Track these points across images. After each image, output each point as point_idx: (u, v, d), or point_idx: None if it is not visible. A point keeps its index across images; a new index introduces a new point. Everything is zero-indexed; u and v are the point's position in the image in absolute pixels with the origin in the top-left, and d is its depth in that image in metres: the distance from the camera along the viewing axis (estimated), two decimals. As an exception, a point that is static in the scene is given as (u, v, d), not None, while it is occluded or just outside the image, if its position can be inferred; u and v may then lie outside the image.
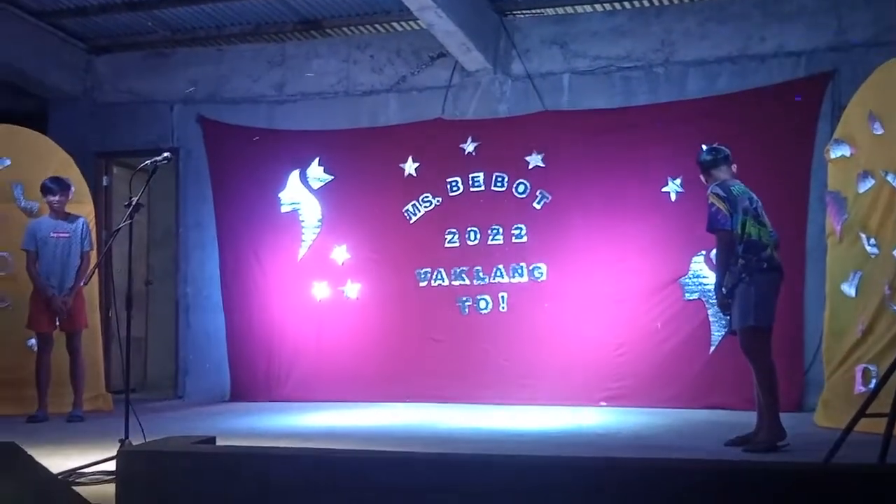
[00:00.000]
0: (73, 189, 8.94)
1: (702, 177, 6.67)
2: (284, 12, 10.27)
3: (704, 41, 9.34)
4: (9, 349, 8.80)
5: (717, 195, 6.29)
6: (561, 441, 6.78)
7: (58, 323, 8.54)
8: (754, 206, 6.32)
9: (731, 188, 6.33)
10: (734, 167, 6.58)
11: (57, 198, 8.56)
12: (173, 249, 11.04)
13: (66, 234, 8.60)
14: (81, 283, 8.50)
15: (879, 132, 7.15)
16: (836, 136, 7.76)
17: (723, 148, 6.67)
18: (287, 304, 10.18)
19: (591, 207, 9.31)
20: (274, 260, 10.28)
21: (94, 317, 9.24)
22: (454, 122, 9.98)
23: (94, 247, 8.92)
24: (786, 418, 6.20)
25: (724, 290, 6.29)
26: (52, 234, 8.55)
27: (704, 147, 6.85)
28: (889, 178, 6.98)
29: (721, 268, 6.34)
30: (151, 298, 11.76)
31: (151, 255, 11.90)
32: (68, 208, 8.77)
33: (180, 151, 10.67)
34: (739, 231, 6.22)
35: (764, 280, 6.20)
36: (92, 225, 9.20)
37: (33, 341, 8.71)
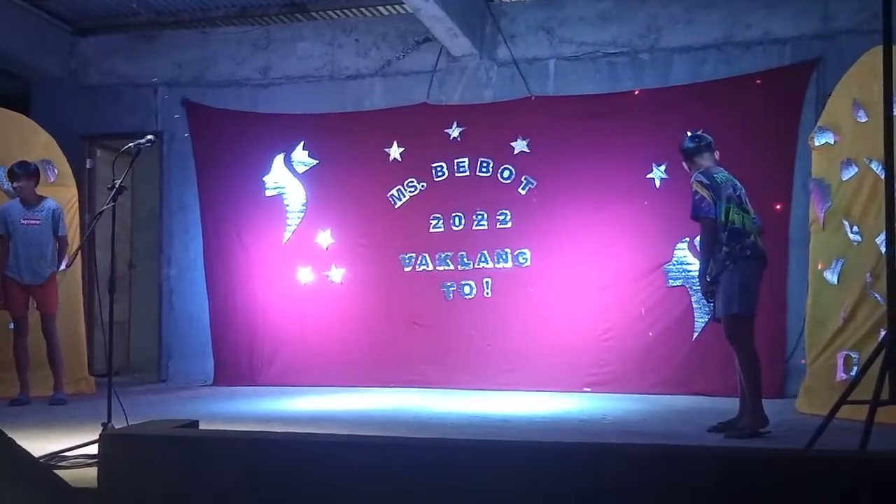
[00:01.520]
0: (53, 173, 8.87)
1: (684, 164, 6.68)
2: (270, -5, 10.24)
3: (690, 27, 9.34)
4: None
5: (701, 183, 6.30)
6: (545, 427, 6.79)
7: (29, 307, 8.48)
8: (738, 193, 6.33)
9: (715, 175, 6.33)
10: (717, 154, 6.58)
11: (20, 183, 8.35)
12: (157, 232, 10.99)
13: (37, 222, 8.44)
14: (62, 267, 8.47)
15: (864, 120, 7.16)
16: (820, 123, 7.78)
17: (705, 135, 6.68)
18: (271, 288, 10.16)
19: (576, 193, 9.31)
20: (258, 244, 10.24)
21: (76, 300, 9.20)
22: (440, 107, 9.96)
23: (74, 232, 8.88)
24: (768, 405, 6.23)
25: (708, 277, 6.30)
26: (21, 221, 8.40)
27: (688, 134, 6.86)
28: (873, 166, 6.99)
29: (705, 256, 6.35)
30: (134, 281, 11.71)
31: (135, 237, 11.86)
32: (52, 192, 8.71)
33: (164, 134, 10.63)
34: (723, 218, 6.22)
35: (747, 267, 6.20)
36: (74, 208, 9.15)
37: (13, 324, 8.65)
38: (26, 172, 8.41)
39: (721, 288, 6.25)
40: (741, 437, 5.98)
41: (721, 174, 6.38)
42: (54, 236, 8.51)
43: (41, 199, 8.55)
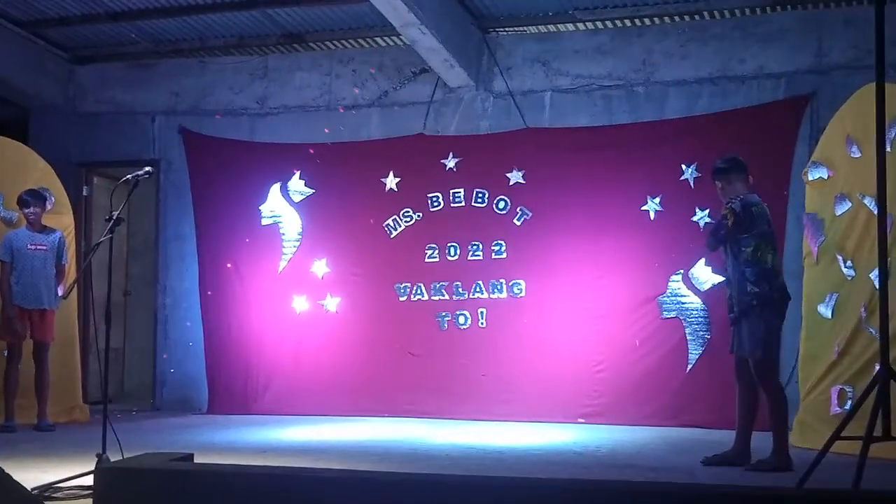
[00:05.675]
0: (50, 201, 8.95)
1: (718, 185, 6.49)
2: (268, 25, 10.28)
3: (685, 61, 9.40)
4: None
5: (734, 211, 6.14)
6: (540, 459, 6.79)
7: (28, 334, 8.51)
8: (772, 229, 6.28)
9: (753, 208, 6.19)
10: (751, 179, 6.47)
11: (32, 209, 8.54)
12: (153, 260, 11.00)
13: (44, 247, 8.59)
14: (60, 295, 8.51)
15: (857, 155, 7.21)
16: (814, 158, 7.83)
17: (739, 158, 6.53)
18: (266, 317, 10.15)
19: (571, 224, 9.33)
20: (254, 273, 10.25)
21: (71, 328, 9.20)
22: (436, 137, 10.00)
23: (70, 261, 8.93)
24: (762, 438, 6.23)
25: (731, 316, 6.29)
26: (29, 246, 8.51)
27: (719, 158, 6.66)
28: (866, 202, 7.02)
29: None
30: (130, 309, 11.70)
31: (130, 265, 11.85)
32: (49, 220, 8.76)
33: (161, 163, 10.66)
34: (750, 257, 6.15)
35: (773, 314, 6.16)
36: (71, 236, 9.18)
37: (7, 350, 8.65)
38: (37, 199, 8.63)
39: (746, 329, 6.18)
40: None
41: (760, 207, 6.25)
42: (56, 264, 8.62)
43: (45, 227, 8.66)
